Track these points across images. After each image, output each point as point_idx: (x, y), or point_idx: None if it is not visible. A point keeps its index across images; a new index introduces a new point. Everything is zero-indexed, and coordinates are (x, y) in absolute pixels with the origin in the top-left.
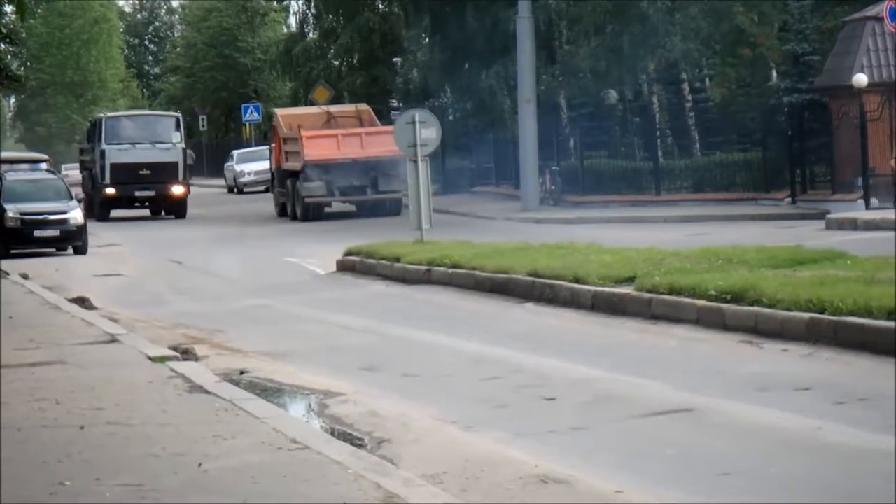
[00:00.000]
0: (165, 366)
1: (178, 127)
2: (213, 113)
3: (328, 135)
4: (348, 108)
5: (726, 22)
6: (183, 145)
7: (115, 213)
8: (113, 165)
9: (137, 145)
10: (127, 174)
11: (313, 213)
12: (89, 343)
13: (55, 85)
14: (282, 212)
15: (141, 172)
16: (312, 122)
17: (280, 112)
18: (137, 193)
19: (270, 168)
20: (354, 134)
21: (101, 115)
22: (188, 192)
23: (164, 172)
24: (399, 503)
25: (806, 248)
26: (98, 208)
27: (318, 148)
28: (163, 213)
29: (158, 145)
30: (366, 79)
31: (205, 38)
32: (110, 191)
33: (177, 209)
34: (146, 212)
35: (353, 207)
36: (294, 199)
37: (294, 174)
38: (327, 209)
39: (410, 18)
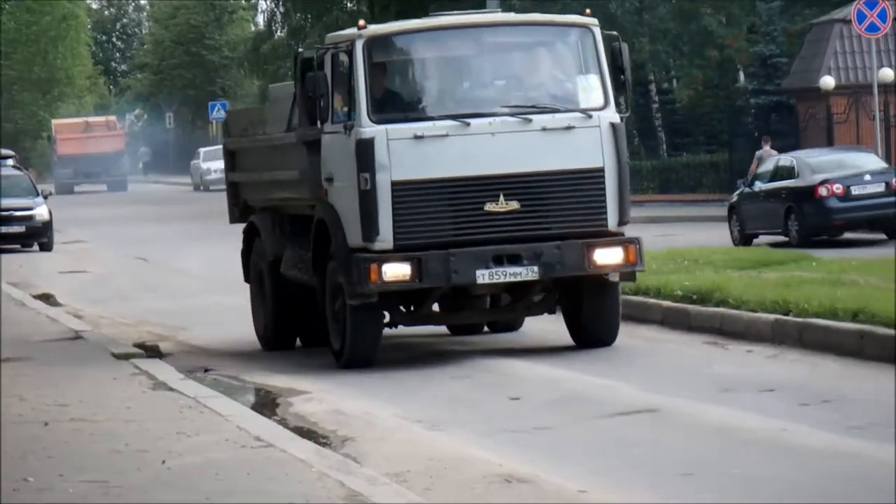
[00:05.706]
0: (130, 363)
1: (593, 52)
2: (180, 110)
3: (77, 137)
4: (100, 119)
5: (694, 23)
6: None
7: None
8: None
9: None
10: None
11: (65, 189)
12: (54, 340)
13: (22, 81)
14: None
15: None
16: (72, 128)
17: (55, 122)
18: None
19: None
20: (96, 136)
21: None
22: None
23: None
24: (363, 502)
25: (772, 250)
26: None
27: (68, 147)
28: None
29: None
30: None
31: (172, 36)
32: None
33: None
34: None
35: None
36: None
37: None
38: (76, 188)
39: (377, 17)
